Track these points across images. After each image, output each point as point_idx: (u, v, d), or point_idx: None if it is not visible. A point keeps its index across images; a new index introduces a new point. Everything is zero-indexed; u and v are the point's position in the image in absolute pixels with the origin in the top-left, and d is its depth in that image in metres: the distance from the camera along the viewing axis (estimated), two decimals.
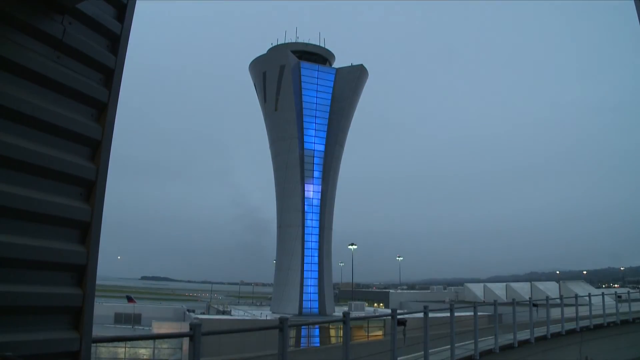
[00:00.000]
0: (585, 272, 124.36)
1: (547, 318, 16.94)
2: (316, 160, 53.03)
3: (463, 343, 12.81)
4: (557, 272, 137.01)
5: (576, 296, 19.87)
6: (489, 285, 65.96)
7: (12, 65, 2.52)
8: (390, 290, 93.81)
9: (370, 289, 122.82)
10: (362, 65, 55.29)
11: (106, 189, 3.02)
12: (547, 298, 19.03)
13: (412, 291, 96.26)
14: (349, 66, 55.28)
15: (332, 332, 40.45)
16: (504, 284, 65.12)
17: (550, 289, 54.42)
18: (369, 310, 53.59)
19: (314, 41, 57.10)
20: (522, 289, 57.58)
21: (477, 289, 64.73)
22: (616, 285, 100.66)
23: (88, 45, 2.93)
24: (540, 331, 16.32)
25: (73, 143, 2.86)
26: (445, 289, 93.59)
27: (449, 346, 11.36)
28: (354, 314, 31.32)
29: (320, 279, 51.50)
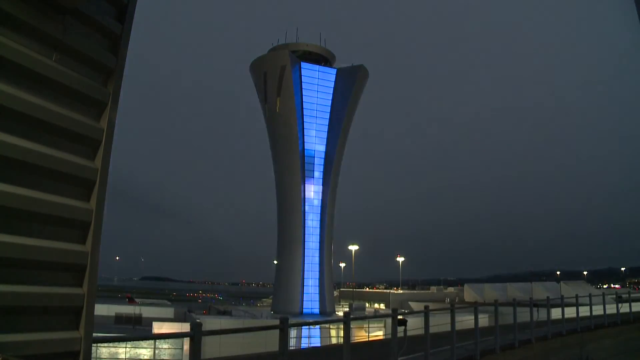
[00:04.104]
0: (585, 273, 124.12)
1: (547, 318, 16.93)
2: (317, 160, 52.99)
3: (464, 343, 12.78)
4: (558, 272, 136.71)
5: (577, 296, 19.86)
6: (489, 285, 65.96)
7: (12, 65, 2.52)
8: (391, 291, 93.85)
9: (370, 289, 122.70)
10: (362, 65, 55.26)
11: (107, 189, 3.02)
12: (548, 298, 19.00)
13: (412, 291, 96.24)
14: (350, 66, 55.24)
15: (333, 333, 40.42)
16: (505, 284, 65.13)
17: (550, 289, 54.45)
18: (369, 310, 53.61)
19: (315, 41, 57.17)
20: (523, 289, 57.59)
21: (477, 289, 64.72)
22: (617, 286, 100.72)
23: (88, 46, 2.93)
24: (540, 331, 16.29)
25: (74, 143, 2.86)
26: (445, 289, 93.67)
27: (449, 346, 11.35)
28: (355, 314, 31.28)
29: (321, 279, 51.50)
